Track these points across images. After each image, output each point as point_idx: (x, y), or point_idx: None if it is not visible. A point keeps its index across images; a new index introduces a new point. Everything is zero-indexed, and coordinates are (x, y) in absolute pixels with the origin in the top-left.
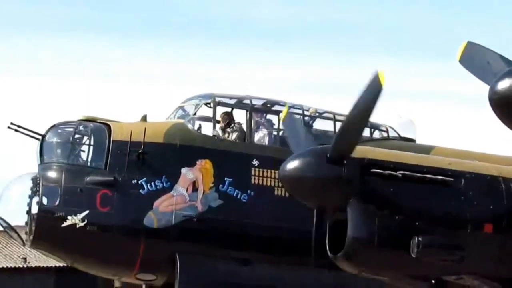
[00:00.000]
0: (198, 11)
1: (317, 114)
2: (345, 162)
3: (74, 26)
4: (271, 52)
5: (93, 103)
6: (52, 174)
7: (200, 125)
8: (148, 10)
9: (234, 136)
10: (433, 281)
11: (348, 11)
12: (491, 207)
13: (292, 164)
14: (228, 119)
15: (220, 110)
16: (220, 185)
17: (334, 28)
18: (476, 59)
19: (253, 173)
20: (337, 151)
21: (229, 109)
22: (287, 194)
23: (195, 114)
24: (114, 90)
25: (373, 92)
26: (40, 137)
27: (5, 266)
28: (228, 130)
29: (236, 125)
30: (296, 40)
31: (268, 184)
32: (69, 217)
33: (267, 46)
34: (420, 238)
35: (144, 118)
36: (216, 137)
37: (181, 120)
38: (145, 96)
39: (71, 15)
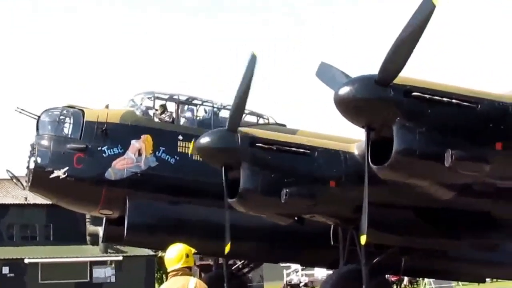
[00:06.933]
0: None
1: (222, 106)
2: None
3: None
4: None
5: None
6: (44, 142)
7: (144, 111)
8: None
9: (166, 119)
10: (295, 218)
11: None
12: (334, 170)
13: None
14: (163, 108)
15: (158, 102)
16: (157, 152)
17: None
18: (327, 74)
19: (179, 144)
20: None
21: (164, 102)
22: (201, 159)
23: (141, 104)
24: None
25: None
26: (36, 117)
27: (12, 203)
28: (163, 116)
29: (168, 112)
30: None
31: (189, 152)
32: (55, 171)
33: None
34: (287, 189)
35: (107, 106)
36: (160, 119)
37: (132, 108)
38: None
39: None
